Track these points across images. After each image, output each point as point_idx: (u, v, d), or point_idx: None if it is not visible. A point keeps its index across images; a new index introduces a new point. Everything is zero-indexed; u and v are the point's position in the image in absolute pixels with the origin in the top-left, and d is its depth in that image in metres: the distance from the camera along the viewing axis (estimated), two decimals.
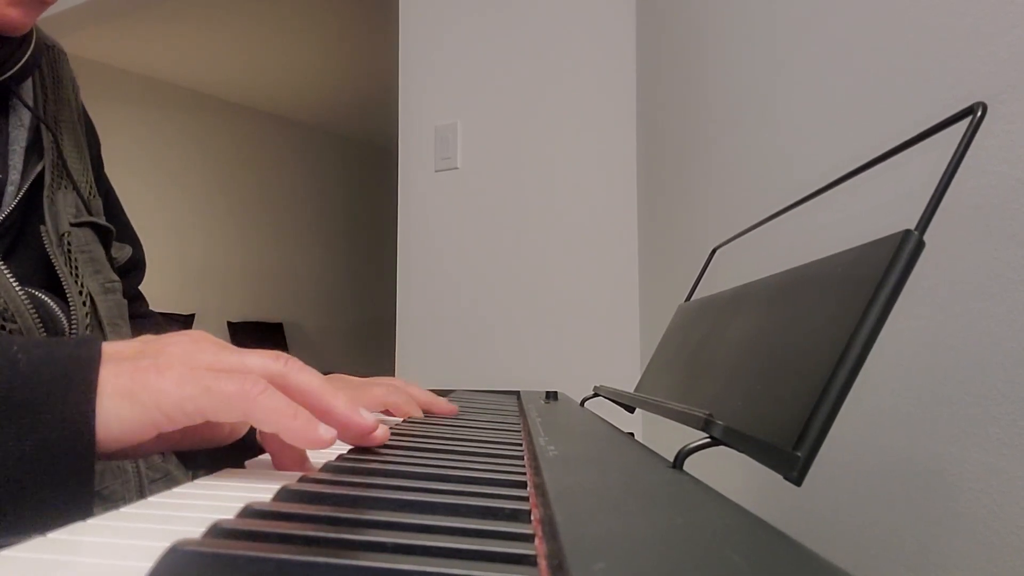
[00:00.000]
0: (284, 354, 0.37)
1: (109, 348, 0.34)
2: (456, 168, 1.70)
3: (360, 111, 5.42)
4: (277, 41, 4.28)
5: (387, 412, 0.63)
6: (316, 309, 5.76)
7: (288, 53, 4.45)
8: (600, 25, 1.56)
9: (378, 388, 0.62)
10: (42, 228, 0.62)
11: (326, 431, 0.34)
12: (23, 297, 0.56)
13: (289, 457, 0.38)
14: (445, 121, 1.73)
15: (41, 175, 0.64)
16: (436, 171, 1.74)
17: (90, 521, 0.24)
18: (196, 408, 0.32)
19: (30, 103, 0.66)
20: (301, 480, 0.29)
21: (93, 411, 0.31)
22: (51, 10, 0.66)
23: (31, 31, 0.63)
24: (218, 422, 0.36)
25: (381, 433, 0.38)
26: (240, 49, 4.40)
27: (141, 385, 0.32)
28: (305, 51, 4.42)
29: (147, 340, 0.36)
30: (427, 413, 0.62)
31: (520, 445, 0.43)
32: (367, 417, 0.37)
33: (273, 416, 0.33)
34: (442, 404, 0.64)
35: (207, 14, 3.88)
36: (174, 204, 4.81)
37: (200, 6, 3.74)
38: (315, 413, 0.35)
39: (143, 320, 0.80)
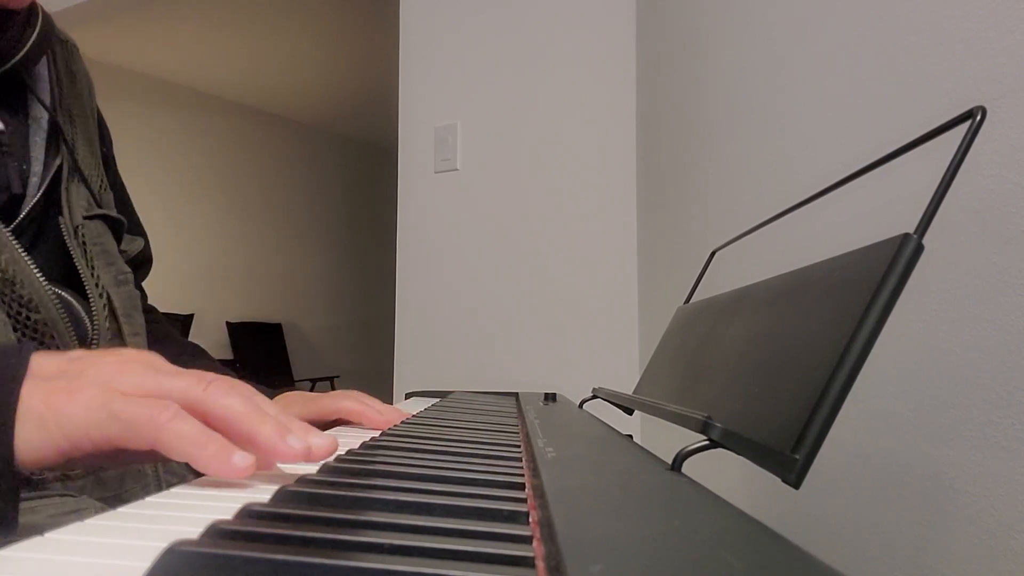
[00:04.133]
0: (212, 375, 0.35)
1: (35, 364, 0.34)
2: (456, 169, 1.70)
3: (360, 112, 5.42)
4: (278, 41, 4.28)
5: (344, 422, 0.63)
6: (315, 310, 5.76)
7: (288, 53, 4.45)
8: (600, 27, 1.56)
9: (334, 398, 0.63)
10: (60, 220, 0.63)
11: (241, 459, 0.32)
12: (50, 293, 0.56)
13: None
14: (445, 122, 1.73)
15: (60, 167, 0.64)
16: (436, 172, 1.74)
17: (88, 521, 0.24)
18: (102, 435, 0.32)
19: (47, 95, 0.66)
20: (299, 481, 0.29)
21: (11, 434, 0.31)
22: (51, 8, 0.66)
23: (37, 16, 0.63)
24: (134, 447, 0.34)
25: (321, 450, 0.35)
26: (241, 49, 4.40)
27: (51, 409, 0.32)
28: (305, 51, 4.42)
29: (74, 358, 0.35)
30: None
31: (518, 447, 0.43)
32: (295, 444, 0.34)
33: (182, 445, 0.31)
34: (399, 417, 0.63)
35: (207, 13, 3.88)
36: (173, 204, 4.81)
37: (200, 5, 3.74)
38: (238, 440, 0.33)
39: (146, 315, 0.81)
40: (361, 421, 0.61)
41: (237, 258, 5.26)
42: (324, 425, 0.64)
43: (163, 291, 4.44)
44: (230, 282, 5.19)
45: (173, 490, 0.30)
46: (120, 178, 0.80)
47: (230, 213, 5.23)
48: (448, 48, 1.74)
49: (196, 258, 4.96)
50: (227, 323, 5.08)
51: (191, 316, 4.73)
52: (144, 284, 0.84)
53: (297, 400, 0.66)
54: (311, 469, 0.33)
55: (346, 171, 6.06)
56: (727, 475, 0.80)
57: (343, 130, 5.93)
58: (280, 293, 5.52)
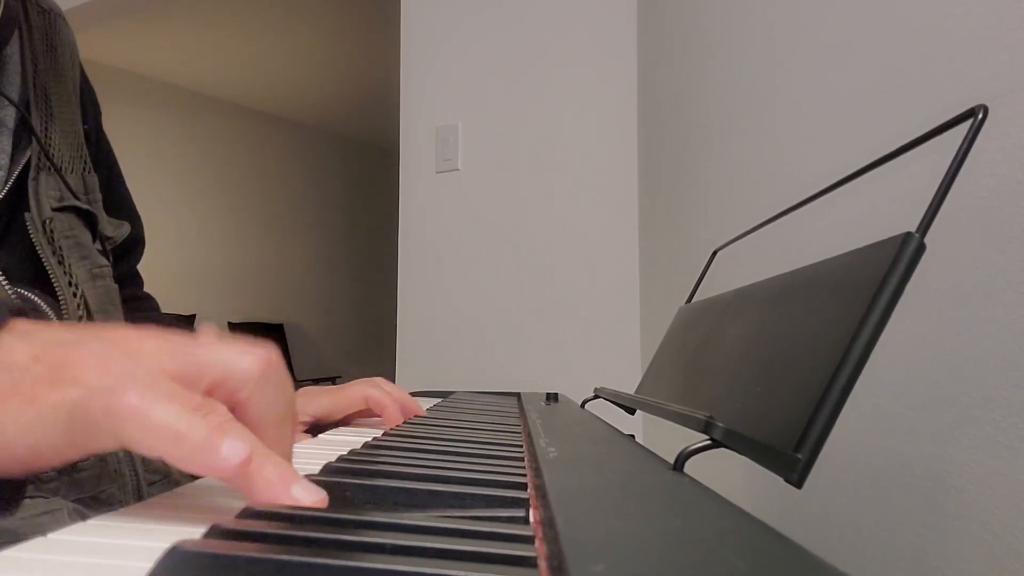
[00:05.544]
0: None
1: (5, 347, 0.28)
2: (457, 169, 1.71)
3: (361, 112, 5.42)
4: (278, 41, 4.28)
5: (366, 412, 0.63)
6: (317, 310, 5.76)
7: (289, 54, 4.45)
8: (601, 27, 1.56)
9: (358, 386, 0.63)
10: (27, 215, 0.59)
11: (230, 448, 0.25)
12: (13, 298, 0.53)
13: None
14: (446, 122, 1.73)
15: (29, 160, 0.60)
16: (437, 172, 1.74)
17: (90, 521, 0.24)
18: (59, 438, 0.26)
19: (16, 83, 0.62)
20: None
21: None
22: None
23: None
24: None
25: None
26: (240, 49, 4.40)
27: (8, 414, 0.26)
28: (306, 52, 4.42)
29: (56, 343, 0.29)
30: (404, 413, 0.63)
31: (520, 446, 0.43)
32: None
33: (151, 435, 0.25)
34: (417, 406, 0.64)
35: (208, 14, 3.88)
36: (175, 204, 4.81)
37: (200, 6, 3.75)
38: None
39: (138, 303, 0.77)
40: (381, 414, 0.61)
41: (239, 259, 5.26)
42: (347, 416, 0.64)
43: (165, 292, 4.43)
44: (232, 283, 5.19)
45: (175, 490, 0.30)
46: (111, 153, 0.75)
47: (232, 214, 5.23)
48: (449, 48, 1.74)
49: (197, 259, 4.96)
50: (229, 323, 5.09)
51: (193, 316, 4.73)
52: (145, 284, 0.82)
53: (319, 393, 0.65)
54: (313, 469, 0.33)
55: (347, 171, 6.06)
56: (729, 475, 0.80)
57: (344, 130, 5.93)
58: (282, 293, 5.52)
